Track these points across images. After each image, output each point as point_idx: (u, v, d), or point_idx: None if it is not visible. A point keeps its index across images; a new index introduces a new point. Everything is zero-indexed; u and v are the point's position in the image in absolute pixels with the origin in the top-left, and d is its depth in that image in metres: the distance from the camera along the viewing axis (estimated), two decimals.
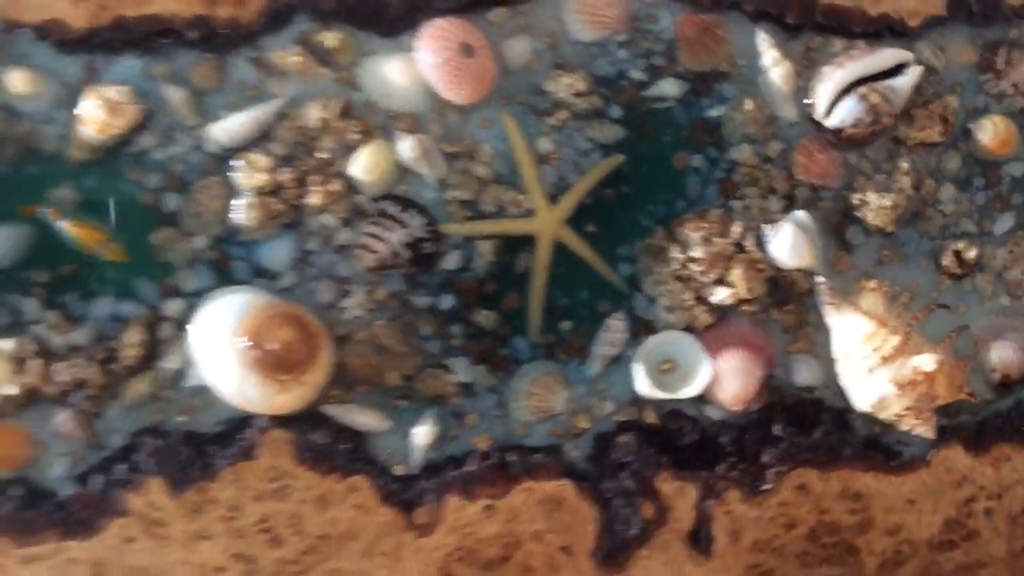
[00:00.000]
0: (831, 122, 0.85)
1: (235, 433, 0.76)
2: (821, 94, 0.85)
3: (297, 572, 0.76)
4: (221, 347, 0.73)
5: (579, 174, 0.83)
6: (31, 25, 0.76)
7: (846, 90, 0.85)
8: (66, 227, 0.75)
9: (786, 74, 0.86)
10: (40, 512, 0.73)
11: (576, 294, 0.83)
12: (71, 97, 0.76)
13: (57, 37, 0.76)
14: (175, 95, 0.77)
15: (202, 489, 0.75)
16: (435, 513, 0.78)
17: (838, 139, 0.87)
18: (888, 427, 0.84)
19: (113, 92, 0.75)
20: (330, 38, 0.79)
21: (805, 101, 0.87)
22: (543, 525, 0.79)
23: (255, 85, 0.79)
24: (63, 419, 0.74)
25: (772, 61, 0.86)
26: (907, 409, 0.81)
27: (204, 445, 0.76)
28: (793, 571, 0.83)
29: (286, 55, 0.79)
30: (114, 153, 0.77)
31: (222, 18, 0.78)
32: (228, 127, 0.77)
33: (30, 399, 0.74)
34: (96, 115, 0.75)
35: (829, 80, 0.85)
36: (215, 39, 0.78)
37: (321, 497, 0.77)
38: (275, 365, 0.74)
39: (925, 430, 0.81)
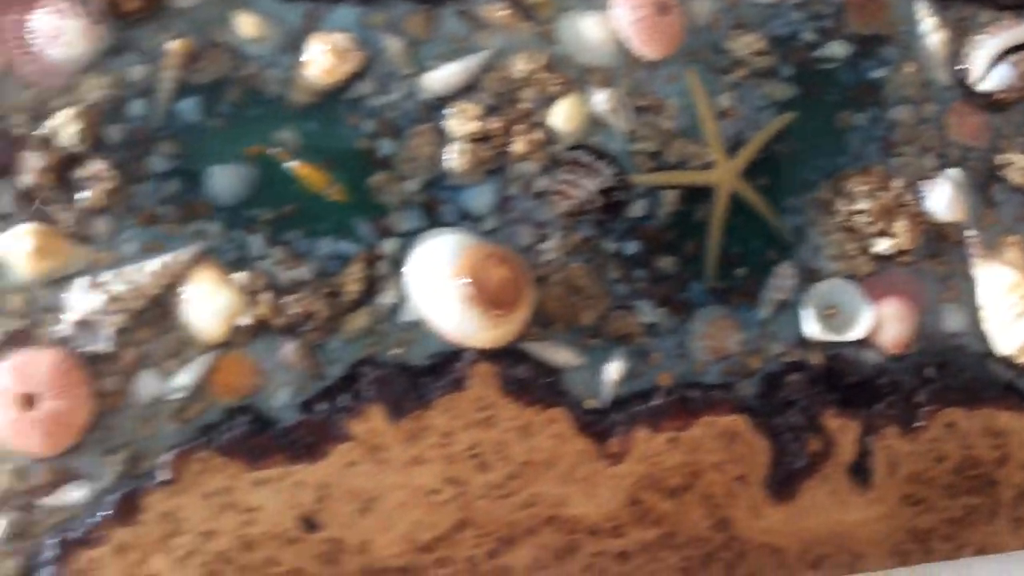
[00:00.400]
0: (984, 86, 0.91)
1: (446, 365, 0.81)
2: (977, 60, 0.91)
3: (502, 495, 0.81)
4: (440, 284, 0.78)
5: (755, 130, 0.88)
6: None
7: (999, 57, 0.91)
8: (295, 167, 0.79)
9: (942, 40, 0.91)
10: (268, 438, 0.78)
11: (749, 243, 0.88)
12: (293, 42, 0.80)
13: None
14: (392, 44, 0.81)
15: (418, 417, 0.80)
16: (625, 444, 0.84)
17: (987, 103, 0.92)
18: None
19: (339, 38, 0.79)
20: None
21: (958, 67, 0.92)
22: (721, 456, 0.85)
23: (463, 37, 0.83)
24: (289, 350, 0.78)
25: (930, 27, 0.91)
26: None
27: (418, 376, 0.80)
28: (940, 501, 0.90)
29: (493, 9, 0.83)
30: (333, 99, 0.80)
31: None
32: (441, 76, 0.81)
33: (257, 330, 0.78)
34: (324, 59, 0.78)
35: (983, 47, 0.91)
36: None
37: (524, 427, 0.82)
38: (491, 301, 0.78)
39: None
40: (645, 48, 0.85)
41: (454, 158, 0.81)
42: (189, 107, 0.78)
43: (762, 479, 0.86)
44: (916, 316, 0.89)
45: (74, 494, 0.74)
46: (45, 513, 0.74)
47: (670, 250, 0.86)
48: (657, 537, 0.84)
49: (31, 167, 0.74)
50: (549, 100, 0.84)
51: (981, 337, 0.92)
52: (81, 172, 0.75)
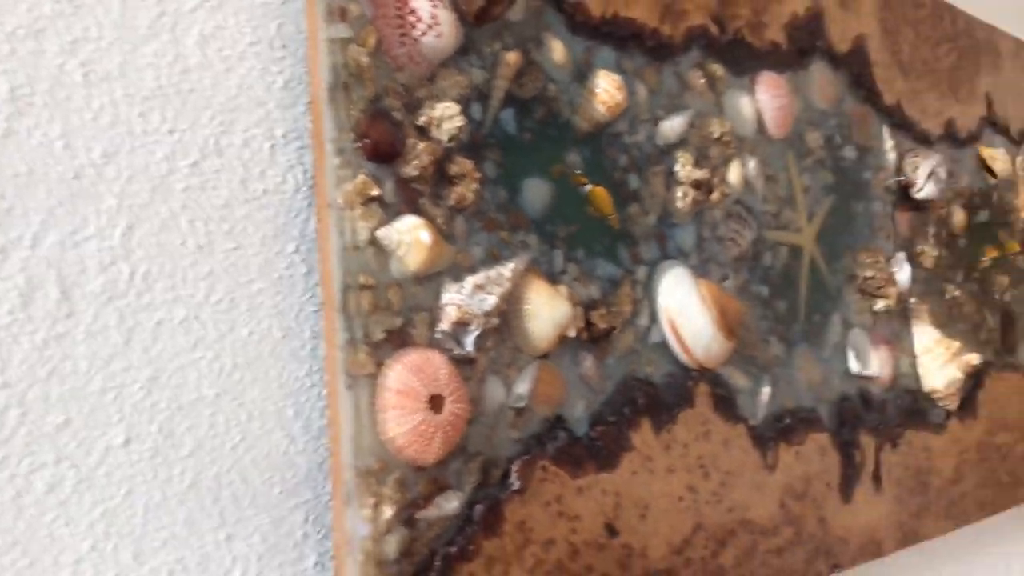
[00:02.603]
0: (920, 195, 1.25)
1: (680, 384, 0.90)
2: (917, 175, 1.25)
3: (717, 501, 0.91)
4: (694, 313, 0.88)
5: (816, 205, 1.11)
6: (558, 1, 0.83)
7: (929, 175, 1.26)
8: (591, 190, 0.83)
9: (894, 157, 1.24)
10: (581, 447, 0.80)
11: (814, 295, 1.10)
12: (579, 73, 0.85)
13: (576, 17, 0.84)
14: (640, 90, 0.90)
15: (669, 430, 0.87)
16: (775, 457, 0.99)
17: (916, 206, 1.27)
18: None
19: (616, 77, 0.86)
20: (717, 69, 0.98)
21: (900, 178, 1.26)
22: (818, 467, 1.04)
23: (676, 94, 0.94)
24: (588, 364, 0.82)
25: (889, 147, 1.23)
26: None
27: (660, 393, 0.88)
28: (912, 498, 1.18)
29: (696, 75, 0.96)
30: (602, 132, 0.87)
31: (664, 32, 0.93)
32: (670, 126, 0.92)
33: (565, 343, 0.80)
34: (610, 93, 0.84)
35: (922, 167, 1.25)
36: (658, 49, 0.92)
37: (725, 440, 0.93)
38: (729, 328, 0.90)
39: None
40: (775, 130, 1.04)
41: (679, 199, 0.92)
42: (508, 118, 0.79)
43: (837, 485, 1.07)
44: (895, 360, 1.19)
45: (446, 505, 0.69)
46: (425, 527, 0.68)
47: (783, 296, 1.05)
48: (792, 534, 1.00)
49: (416, 157, 0.70)
50: (727, 160, 0.98)
51: (916, 378, 1.23)
52: (454, 169, 0.73)
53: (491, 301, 0.71)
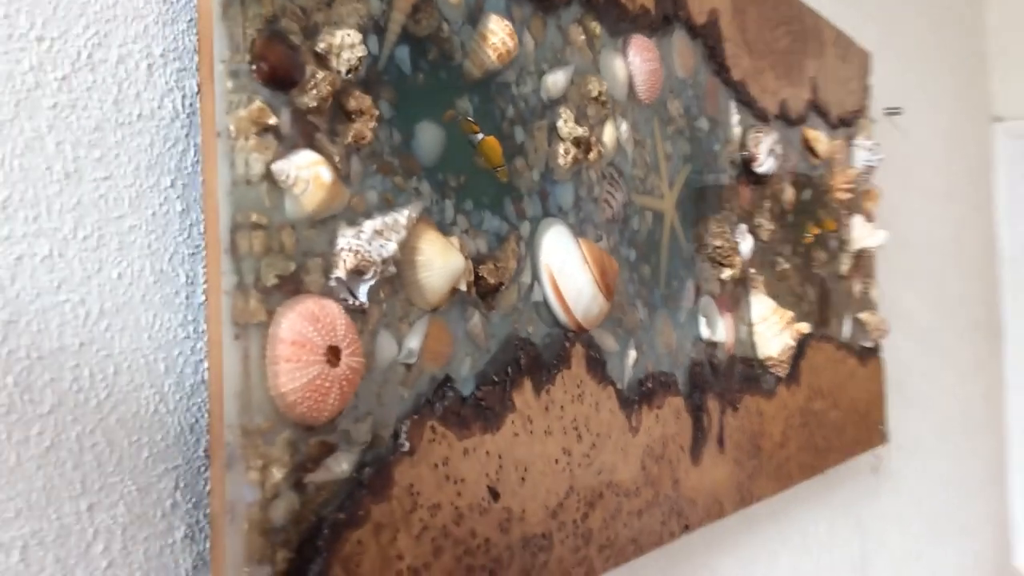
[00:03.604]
0: (760, 169, 1.29)
1: (559, 344, 0.88)
2: (760, 150, 1.29)
3: (588, 464, 0.90)
4: (576, 271, 0.86)
5: (676, 174, 1.13)
6: None
7: (770, 150, 1.30)
8: (481, 140, 0.79)
9: (740, 132, 1.27)
10: (468, 408, 0.76)
11: (673, 260, 1.11)
12: (471, 16, 0.80)
13: None
14: (528, 40, 0.87)
15: (548, 391, 0.85)
16: (639, 419, 0.99)
17: (756, 179, 1.31)
18: None
19: (508, 24, 0.82)
20: (595, 27, 0.96)
21: (744, 152, 1.29)
22: (674, 429, 1.06)
23: (559, 48, 0.92)
24: (475, 321, 0.78)
25: (735, 122, 1.27)
26: None
27: (541, 353, 0.86)
28: (749, 461, 1.22)
29: (576, 30, 0.94)
30: (492, 79, 0.83)
31: None
32: (553, 80, 0.89)
33: (451, 299, 0.76)
34: (502, 39, 0.81)
35: (763, 143, 1.29)
36: None
37: (597, 403, 0.92)
38: (608, 289, 0.89)
39: None
40: (645, 94, 1.04)
41: (560, 156, 0.90)
42: (403, 56, 0.74)
43: (688, 448, 1.09)
44: (736, 327, 1.22)
45: (335, 468, 0.64)
46: (314, 491, 0.63)
47: (647, 260, 1.05)
48: (651, 496, 1.00)
49: (315, 87, 0.64)
50: (602, 120, 0.97)
51: (752, 345, 1.28)
52: (352, 103, 0.67)
53: (391, 248, 0.66)
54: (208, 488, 0.63)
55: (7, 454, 0.53)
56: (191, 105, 0.63)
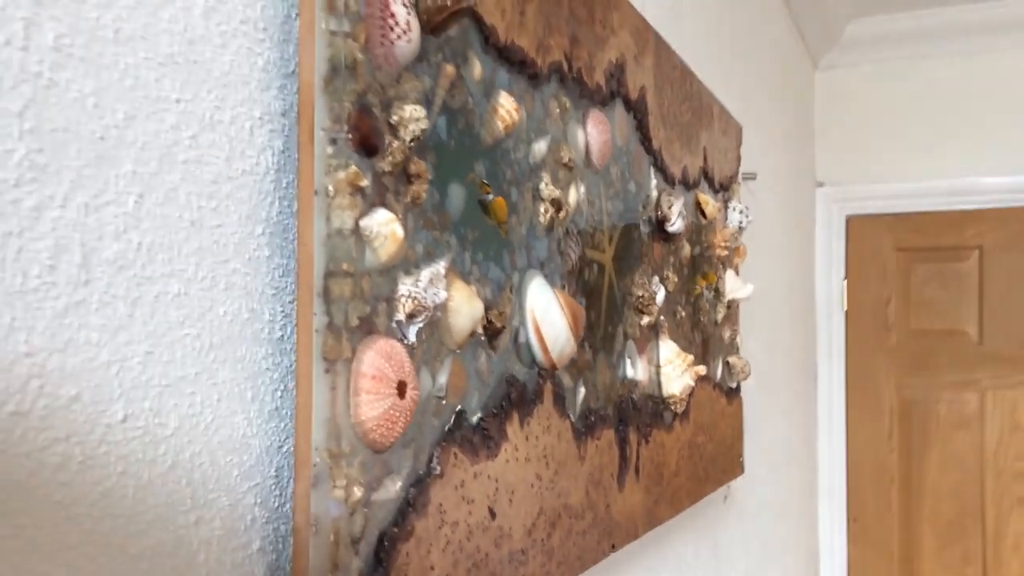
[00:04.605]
0: (671, 229, 1.46)
1: (536, 381, 0.99)
2: (672, 212, 1.45)
3: (552, 488, 1.02)
4: (555, 317, 0.98)
5: (613, 230, 1.27)
6: (480, 21, 0.90)
7: (680, 213, 1.47)
8: (492, 200, 0.90)
9: (656, 196, 1.43)
10: (478, 436, 0.86)
11: (612, 311, 1.25)
12: (486, 91, 0.92)
13: (490, 39, 0.91)
14: (523, 112, 0.98)
15: (528, 423, 0.97)
16: (585, 449, 1.12)
17: (666, 237, 1.47)
18: None
19: (512, 98, 0.94)
20: (566, 101, 1.09)
21: (658, 213, 1.45)
22: (604, 459, 1.19)
23: (542, 119, 1.04)
24: (483, 360, 0.89)
25: (653, 187, 1.43)
26: None
27: (524, 390, 0.97)
28: (655, 487, 1.37)
29: (553, 104, 1.06)
30: (498, 146, 0.94)
31: (538, 63, 1.02)
32: (538, 148, 1.02)
33: (470, 340, 0.86)
34: (509, 112, 0.92)
35: (675, 205, 1.46)
36: (534, 77, 1.02)
37: (559, 433, 1.04)
38: (578, 335, 1.02)
39: None
40: (597, 161, 1.18)
41: (541, 214, 1.02)
42: (442, 125, 0.84)
43: (616, 475, 1.23)
44: (648, 368, 1.37)
45: (392, 488, 0.73)
46: (377, 508, 0.71)
47: (592, 307, 1.18)
48: (592, 518, 1.13)
49: (391, 154, 0.73)
50: (568, 183, 1.10)
51: (659, 384, 1.44)
52: (413, 168, 0.76)
53: (442, 295, 0.76)
54: (277, 504, 0.71)
55: (142, 472, 0.60)
56: (279, 163, 0.72)
